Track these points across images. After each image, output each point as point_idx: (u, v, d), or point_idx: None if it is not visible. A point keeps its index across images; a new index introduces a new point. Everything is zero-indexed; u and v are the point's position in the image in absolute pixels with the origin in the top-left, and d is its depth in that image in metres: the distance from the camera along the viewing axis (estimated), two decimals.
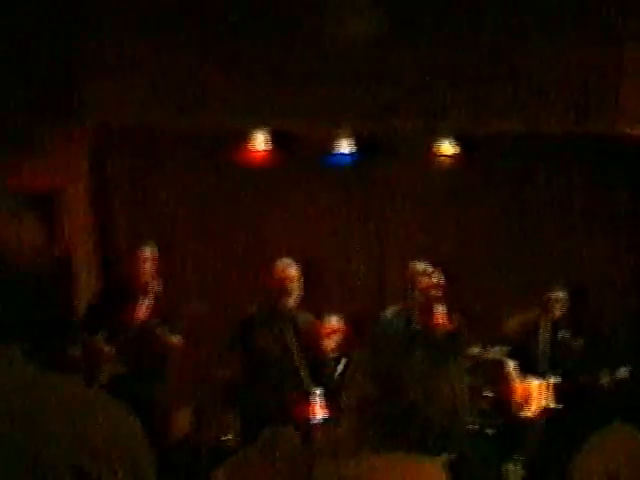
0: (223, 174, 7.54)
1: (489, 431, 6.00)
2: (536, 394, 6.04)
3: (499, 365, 6.26)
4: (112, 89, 6.75)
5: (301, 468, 3.13)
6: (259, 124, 7.13)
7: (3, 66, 5.96)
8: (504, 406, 6.16)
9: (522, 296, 7.01)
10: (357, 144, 7.36)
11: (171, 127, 7.11)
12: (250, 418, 5.39)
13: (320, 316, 6.42)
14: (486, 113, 6.75)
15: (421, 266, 6.14)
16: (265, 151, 7.38)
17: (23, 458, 1.30)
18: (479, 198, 7.57)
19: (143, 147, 7.48)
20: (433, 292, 5.98)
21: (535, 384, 6.07)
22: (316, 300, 6.53)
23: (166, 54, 6.73)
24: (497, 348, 6.34)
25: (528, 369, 6.14)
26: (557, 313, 6.19)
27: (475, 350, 6.26)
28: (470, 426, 5.68)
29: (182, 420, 6.37)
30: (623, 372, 5.65)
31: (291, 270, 5.87)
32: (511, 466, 5.92)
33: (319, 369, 5.73)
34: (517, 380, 6.18)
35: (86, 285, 6.80)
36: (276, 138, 7.33)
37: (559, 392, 5.87)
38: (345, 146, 7.34)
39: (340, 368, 6.31)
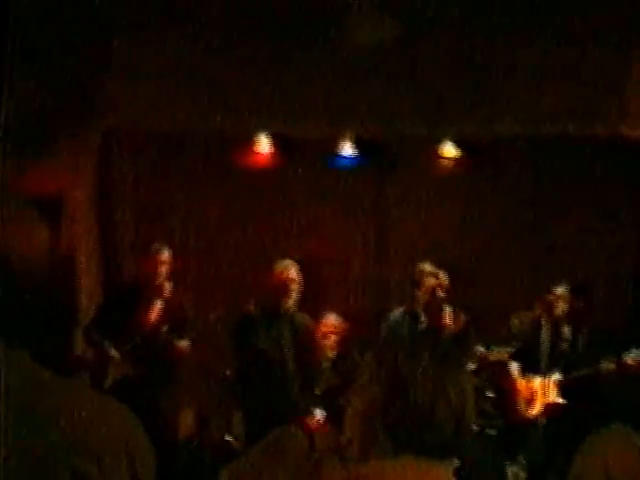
0: (227, 177, 7.57)
1: (491, 432, 6.02)
2: (540, 392, 6.07)
3: (502, 366, 6.29)
4: (121, 94, 6.78)
5: (308, 469, 3.14)
6: (262, 127, 7.15)
7: (18, 71, 5.99)
8: (505, 407, 6.17)
9: (525, 295, 7.06)
10: (360, 147, 7.38)
11: (176, 131, 7.14)
12: (253, 418, 5.41)
13: (319, 315, 6.45)
14: (488, 116, 6.77)
15: (427, 267, 6.19)
16: (269, 154, 7.41)
17: (26, 457, 1.33)
18: (481, 200, 7.58)
19: (148, 151, 7.50)
20: (439, 292, 6.03)
21: (538, 382, 6.10)
22: (317, 301, 6.57)
23: (173, 59, 6.76)
24: (501, 348, 6.36)
25: (531, 367, 6.17)
26: (559, 311, 6.22)
27: (479, 350, 6.29)
28: (473, 427, 5.70)
29: (186, 421, 6.40)
30: (629, 358, 5.69)
31: (291, 271, 5.91)
32: (513, 468, 5.94)
33: (313, 372, 5.77)
34: (521, 380, 6.21)
35: (90, 287, 6.83)
36: (279, 141, 7.36)
37: (562, 389, 5.89)
38: (348, 149, 7.36)
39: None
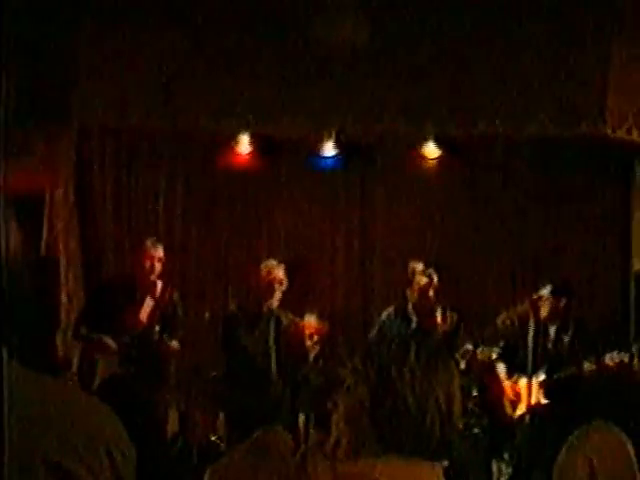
0: (208, 177, 7.56)
1: (476, 430, 6.04)
2: (524, 393, 6.09)
3: (489, 365, 6.31)
4: (98, 92, 6.75)
5: (294, 469, 3.13)
6: (243, 127, 7.13)
7: None
8: (491, 406, 6.19)
9: (511, 295, 7.10)
10: (342, 147, 7.38)
11: (156, 129, 7.11)
12: (237, 418, 5.41)
13: (302, 316, 6.47)
14: (470, 116, 6.79)
15: (419, 266, 6.24)
16: (250, 154, 7.39)
17: (3, 452, 1.31)
18: (464, 199, 7.60)
19: (128, 150, 7.47)
20: (430, 292, 6.07)
21: (524, 382, 6.13)
22: (300, 301, 6.57)
23: (151, 57, 6.74)
24: (488, 347, 6.39)
25: (517, 367, 6.20)
26: (545, 311, 6.25)
27: (469, 349, 6.32)
28: (460, 426, 5.70)
29: (171, 421, 6.39)
30: (609, 359, 5.74)
31: (277, 271, 5.92)
32: (499, 465, 5.96)
33: (298, 372, 5.77)
34: (507, 381, 6.23)
35: (71, 287, 6.79)
36: (261, 141, 7.35)
37: (546, 389, 5.92)
38: (330, 149, 7.36)
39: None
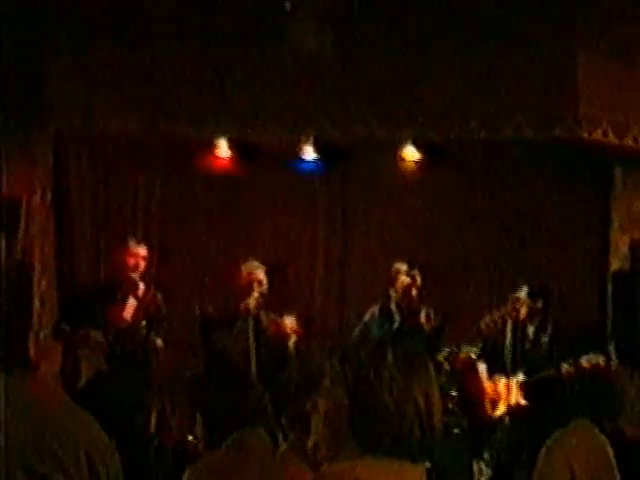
0: (187, 180, 7.54)
1: (456, 431, 6.06)
2: (505, 393, 6.13)
3: (470, 365, 6.34)
4: (74, 96, 6.74)
5: (273, 469, 3.12)
6: (222, 132, 7.13)
7: None
8: (471, 406, 6.22)
9: (488, 297, 7.14)
10: (321, 151, 7.39)
11: (133, 134, 7.08)
12: (215, 418, 5.39)
13: (280, 317, 6.49)
14: (448, 120, 6.83)
15: (403, 266, 6.29)
16: (229, 158, 7.38)
17: None
18: (443, 202, 7.63)
19: (105, 154, 7.44)
20: (413, 291, 6.14)
21: (503, 383, 6.16)
22: (279, 302, 6.58)
23: (128, 62, 6.73)
24: (468, 348, 6.43)
25: (496, 368, 6.23)
26: (523, 312, 6.29)
27: (450, 350, 6.36)
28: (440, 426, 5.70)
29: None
30: (585, 360, 5.80)
31: (258, 272, 5.93)
32: (479, 465, 5.98)
33: (277, 371, 5.77)
34: (487, 381, 6.27)
35: (44, 291, 6.77)
36: (241, 145, 7.34)
37: (526, 389, 5.96)
38: (309, 153, 7.36)
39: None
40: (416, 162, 7.44)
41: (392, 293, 6.38)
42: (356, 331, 6.40)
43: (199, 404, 3.50)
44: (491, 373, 6.27)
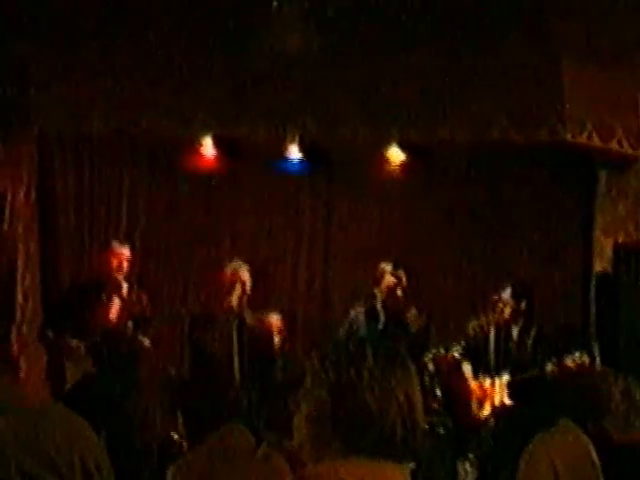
0: (172, 178, 7.52)
1: (441, 431, 6.06)
2: (490, 393, 6.13)
3: (455, 365, 6.35)
4: (57, 96, 6.71)
5: (256, 467, 3.12)
6: (206, 130, 7.11)
7: None
8: (456, 407, 6.22)
9: (472, 298, 7.15)
10: (306, 151, 7.39)
11: (117, 133, 7.06)
12: (194, 417, 5.39)
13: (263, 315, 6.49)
14: (433, 121, 6.84)
15: (388, 266, 6.31)
16: (213, 157, 7.36)
17: None
18: (427, 203, 7.65)
19: (90, 151, 7.41)
20: (398, 291, 6.16)
21: (488, 383, 6.16)
22: (262, 302, 6.58)
23: (111, 60, 6.71)
24: (452, 347, 6.43)
25: (481, 369, 6.24)
26: (506, 313, 6.30)
27: (436, 351, 6.36)
28: (424, 427, 5.72)
29: None
30: (569, 360, 5.82)
31: (242, 272, 5.94)
32: (465, 465, 5.99)
33: (261, 370, 5.78)
34: (473, 381, 6.28)
35: (28, 287, 6.75)
36: (226, 144, 7.32)
37: (511, 389, 5.98)
38: (294, 153, 7.35)
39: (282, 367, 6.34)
40: (401, 163, 7.44)
41: (377, 293, 6.40)
42: (341, 331, 6.42)
43: (179, 402, 3.51)
44: (476, 374, 6.28)
